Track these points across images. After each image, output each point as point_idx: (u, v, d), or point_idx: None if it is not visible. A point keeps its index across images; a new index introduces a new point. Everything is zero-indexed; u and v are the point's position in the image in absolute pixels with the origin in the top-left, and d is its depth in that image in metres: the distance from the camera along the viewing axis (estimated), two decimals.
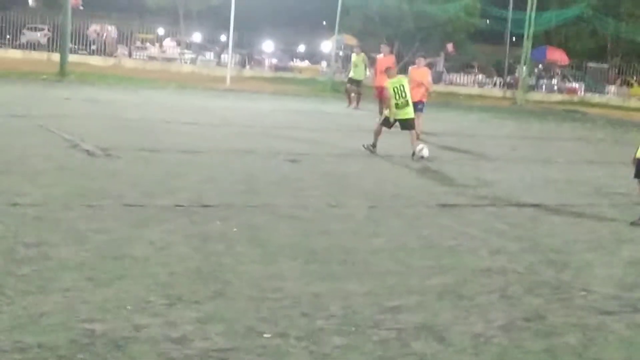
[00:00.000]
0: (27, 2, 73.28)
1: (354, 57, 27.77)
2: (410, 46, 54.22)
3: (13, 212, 7.93)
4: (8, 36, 54.04)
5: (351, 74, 27.05)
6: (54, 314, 5.16)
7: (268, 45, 64.51)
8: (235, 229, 8.00)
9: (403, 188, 11.52)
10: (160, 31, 62.53)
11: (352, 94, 26.72)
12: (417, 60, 19.48)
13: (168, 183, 10.26)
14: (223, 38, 56.09)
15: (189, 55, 55.87)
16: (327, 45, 56.37)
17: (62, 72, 30.95)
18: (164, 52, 55.37)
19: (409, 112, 14.94)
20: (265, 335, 5.13)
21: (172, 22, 62.02)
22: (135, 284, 5.95)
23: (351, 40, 56.17)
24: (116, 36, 57.04)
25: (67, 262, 6.35)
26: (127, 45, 55.66)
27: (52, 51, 44.14)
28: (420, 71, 18.98)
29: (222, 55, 53.64)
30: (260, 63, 57.65)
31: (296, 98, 30.79)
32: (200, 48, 59.64)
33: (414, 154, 14.45)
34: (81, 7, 36.20)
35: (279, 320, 5.40)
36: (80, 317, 5.15)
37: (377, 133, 14.89)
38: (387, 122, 15.03)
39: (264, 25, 63.75)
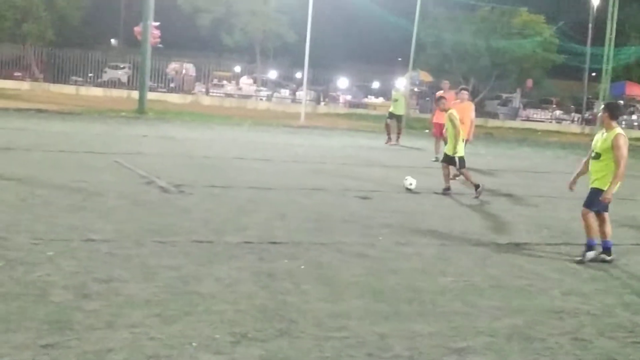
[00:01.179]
0: (110, 41, 75.31)
1: (394, 93, 27.48)
2: (487, 82, 53.98)
3: (86, 248, 8.10)
4: (90, 74, 55.64)
5: (391, 109, 26.58)
6: (120, 350, 5.24)
7: (343, 82, 64.92)
8: (302, 267, 8.02)
9: (473, 226, 11.38)
10: (237, 69, 63.58)
11: (392, 129, 26.33)
12: (459, 95, 18.03)
13: (238, 220, 10.36)
14: (298, 75, 56.64)
15: (264, 92, 56.63)
16: (401, 82, 56.44)
17: (141, 110, 31.67)
18: (240, 89, 56.27)
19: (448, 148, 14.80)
20: None
21: (249, 59, 63.01)
22: (202, 320, 6.00)
23: (426, 77, 56.23)
24: (194, 74, 58.21)
25: (135, 298, 6.45)
26: (204, 82, 56.74)
27: (132, 89, 45.22)
28: (463, 106, 17.29)
29: (297, 92, 54.22)
30: (334, 99, 58.09)
31: (370, 134, 30.82)
32: (276, 85, 60.40)
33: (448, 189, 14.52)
34: (160, 45, 36.98)
35: None
36: (146, 354, 5.22)
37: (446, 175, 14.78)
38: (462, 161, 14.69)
39: (338, 62, 64.25)
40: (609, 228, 9.50)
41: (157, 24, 34.43)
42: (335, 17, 54.88)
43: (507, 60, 51.86)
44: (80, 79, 54.24)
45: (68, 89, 47.61)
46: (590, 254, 9.37)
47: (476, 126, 19.62)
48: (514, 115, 57.73)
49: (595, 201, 9.35)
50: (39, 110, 28.79)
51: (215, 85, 57.56)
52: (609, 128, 9.37)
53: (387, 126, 26.30)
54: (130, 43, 53.90)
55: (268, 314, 6.31)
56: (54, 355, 5.04)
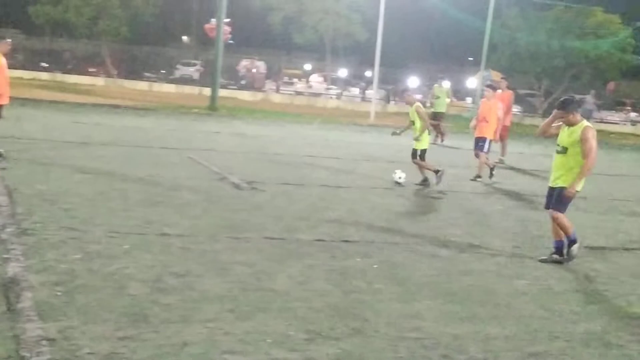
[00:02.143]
0: (182, 39, 76.32)
1: (435, 88, 26.79)
2: (560, 83, 53.09)
3: (161, 242, 8.20)
4: (163, 71, 56.52)
5: (433, 107, 25.80)
6: (196, 345, 5.29)
7: (413, 81, 64.59)
8: (375, 266, 7.99)
9: (547, 229, 11.15)
10: (307, 67, 63.80)
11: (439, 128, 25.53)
12: (485, 92, 17.01)
13: (310, 217, 10.37)
14: (368, 74, 56.59)
15: (334, 90, 56.69)
16: (472, 82, 55.91)
17: (213, 107, 31.98)
18: (310, 87, 56.43)
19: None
20: None
21: (319, 58, 63.20)
22: (276, 317, 6.02)
23: (498, 77, 55.51)
24: (265, 71, 58.60)
25: (210, 293, 6.50)
26: (274, 80, 57.07)
27: (204, 86, 45.74)
28: (489, 104, 16.44)
29: (367, 91, 54.15)
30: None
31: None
32: (346, 84, 60.42)
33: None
34: (231, 42, 37.28)
35: None
36: (221, 349, 5.26)
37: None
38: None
39: (409, 61, 63.97)
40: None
41: (227, 20, 34.71)
42: (406, 16, 54.55)
43: (581, 60, 50.89)
44: (153, 75, 55.15)
45: (141, 85, 48.42)
46: (575, 247, 8.95)
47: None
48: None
49: (563, 201, 8.90)
50: (114, 106, 29.30)
51: (285, 82, 57.86)
52: (575, 122, 8.78)
53: (433, 127, 25.45)
54: (202, 40, 54.60)
55: (341, 312, 6.30)
56: (132, 348, 5.11)
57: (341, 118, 34.64)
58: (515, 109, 50.99)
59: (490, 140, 16.09)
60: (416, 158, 14.41)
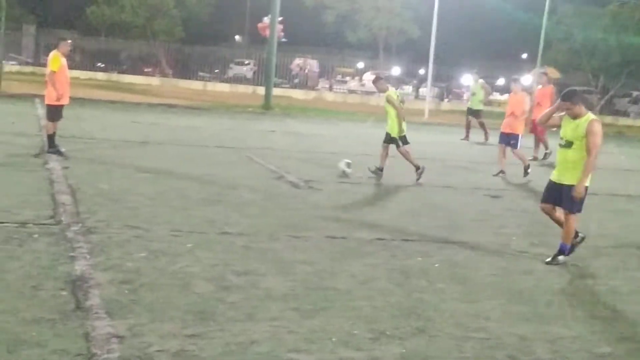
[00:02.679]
0: (234, 38, 76.79)
1: (472, 85, 26.20)
2: (617, 80, 52.29)
3: (222, 241, 8.28)
4: (217, 70, 56.94)
5: (469, 104, 25.40)
6: (262, 343, 5.33)
7: (467, 79, 64.07)
8: (436, 265, 7.96)
9: (609, 228, 11.03)
10: (360, 65, 63.72)
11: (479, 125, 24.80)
12: (512, 86, 16.76)
13: (369, 216, 10.37)
14: (421, 71, 56.34)
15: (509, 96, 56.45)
16: (528, 79, 55.34)
17: (267, 105, 32.12)
18: (363, 85, 56.35)
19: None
20: None
21: (372, 56, 63.08)
22: (339, 316, 6.03)
23: (554, 73, 54.78)
24: (318, 70, 58.67)
25: (273, 292, 6.54)
26: (328, 79, 57.12)
27: (257, 85, 45.96)
28: (516, 98, 16.20)
29: (420, 89, 53.91)
30: (458, 96, 57.45)
31: (495, 132, 30.26)
32: (399, 81, 60.19)
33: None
34: (284, 40, 37.38)
35: None
36: (287, 347, 5.29)
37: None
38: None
39: (463, 58, 63.46)
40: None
41: (280, 18, 34.82)
42: (460, 12, 54.19)
43: (639, 57, 49.96)
44: (207, 74, 55.57)
45: (195, 85, 48.80)
46: (561, 259, 8.47)
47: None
48: None
49: (577, 201, 8.36)
50: (170, 105, 29.60)
51: (338, 81, 57.87)
52: (580, 114, 8.31)
53: (469, 123, 24.93)
54: (255, 39, 54.89)
55: (405, 312, 6.29)
56: (200, 345, 5.17)
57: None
58: None
59: (521, 136, 15.74)
60: (399, 147, 14.16)
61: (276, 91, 37.20)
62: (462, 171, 16.25)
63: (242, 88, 48.13)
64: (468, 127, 24.86)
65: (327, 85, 55.64)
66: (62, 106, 13.80)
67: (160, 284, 6.48)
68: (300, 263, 7.58)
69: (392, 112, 14.14)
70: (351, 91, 54.05)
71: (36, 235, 7.74)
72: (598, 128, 8.20)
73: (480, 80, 25.61)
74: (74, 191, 10.22)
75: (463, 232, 9.81)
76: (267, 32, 34.36)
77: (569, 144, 8.36)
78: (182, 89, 44.16)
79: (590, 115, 8.34)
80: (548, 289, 7.40)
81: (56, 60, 13.50)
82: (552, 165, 16.66)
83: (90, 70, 49.92)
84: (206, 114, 27.43)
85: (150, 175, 12.25)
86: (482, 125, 24.62)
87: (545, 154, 19.39)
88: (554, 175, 8.63)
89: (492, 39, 67.83)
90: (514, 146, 15.62)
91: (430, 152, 19.88)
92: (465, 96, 56.87)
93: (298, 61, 58.04)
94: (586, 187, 8.33)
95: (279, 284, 6.79)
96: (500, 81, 65.27)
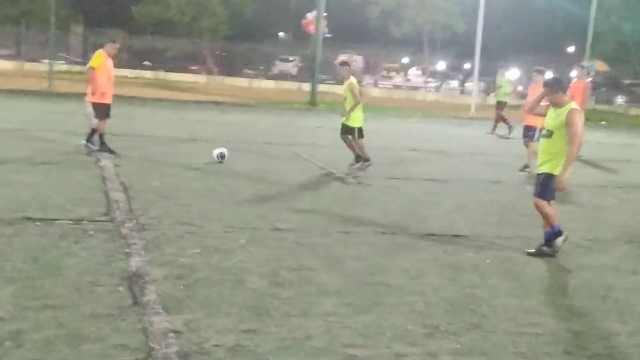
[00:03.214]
0: (279, 35, 76.96)
1: (498, 77, 26.08)
2: None
3: (274, 237, 8.33)
4: (262, 67, 57.19)
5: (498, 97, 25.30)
6: (317, 338, 5.36)
7: (513, 73, 63.53)
8: (488, 261, 7.92)
9: None
10: (405, 60, 63.49)
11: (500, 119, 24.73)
12: (533, 77, 16.24)
13: (418, 211, 10.36)
14: (467, 66, 55.95)
15: (433, 83, 56.30)
16: (574, 72, 54.63)
17: (312, 102, 32.19)
18: (408, 80, 56.18)
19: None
20: None
21: (417, 51, 62.81)
22: (393, 311, 6.04)
23: (602, 66, 54.15)
24: (363, 66, 58.56)
25: (326, 287, 6.57)
26: (373, 74, 57.04)
27: (302, 81, 46.05)
28: (537, 91, 15.81)
29: (466, 83, 53.58)
30: None
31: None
32: (445, 76, 59.88)
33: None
34: (329, 35, 37.40)
35: (539, 357, 5.28)
36: (342, 342, 5.31)
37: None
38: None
39: (509, 52, 62.92)
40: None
41: (323, 14, 34.86)
42: (506, 5, 53.74)
43: None
44: (252, 71, 55.83)
45: (241, 82, 49.06)
46: (560, 240, 8.25)
47: None
48: None
49: (549, 189, 8.19)
50: (216, 103, 29.82)
51: (383, 76, 57.76)
52: (561, 104, 8.14)
53: (499, 116, 24.77)
54: (300, 36, 54.94)
55: (458, 307, 6.28)
56: (256, 341, 5.21)
57: (441, 111, 34.39)
58: (621, 99, 49.74)
59: (541, 129, 15.20)
60: (350, 134, 14.00)
61: (321, 87, 37.25)
62: (511, 166, 16.11)
63: (287, 85, 48.29)
64: (504, 120, 24.56)
65: (372, 81, 55.52)
66: (106, 105, 13.81)
67: (215, 279, 6.55)
68: (351, 259, 7.61)
69: (350, 102, 13.99)
70: (396, 86, 53.92)
71: (91, 232, 7.86)
72: (577, 118, 7.97)
73: (507, 73, 25.60)
74: (127, 188, 10.36)
75: (514, 228, 9.75)
76: (311, 28, 34.44)
77: (549, 134, 8.21)
78: (228, 87, 44.45)
79: (572, 105, 8.14)
80: (602, 284, 7.33)
81: (98, 58, 13.63)
82: (586, 162, 16.53)
83: (137, 68, 50.44)
84: (252, 111, 27.60)
85: (200, 172, 12.37)
86: (498, 117, 24.65)
87: None
88: (537, 165, 8.48)
89: (539, 32, 67.08)
90: (531, 137, 15.00)
91: (478, 146, 19.82)
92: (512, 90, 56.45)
93: (343, 57, 58.00)
94: (554, 176, 8.13)
95: (332, 280, 6.82)
96: (548, 75, 64.62)
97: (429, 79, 57.47)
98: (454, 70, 60.75)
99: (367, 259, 7.68)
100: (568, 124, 7.97)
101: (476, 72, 37.51)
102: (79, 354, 4.80)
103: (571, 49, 67.82)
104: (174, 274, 6.62)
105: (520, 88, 58.54)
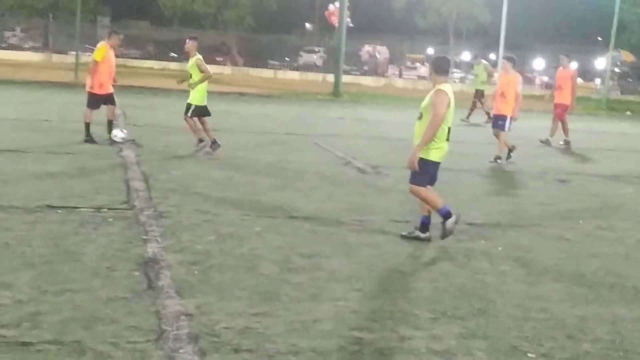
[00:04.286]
0: (304, 26, 77.10)
1: (475, 66, 26.03)
2: None
3: (289, 225, 8.48)
4: (287, 58, 57.39)
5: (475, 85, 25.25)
6: (325, 321, 5.50)
7: (539, 63, 63.25)
8: (500, 248, 8.02)
9: None
10: (430, 51, 63.40)
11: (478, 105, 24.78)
12: (504, 64, 15.64)
13: None
14: (492, 56, 55.76)
15: (458, 74, 56.20)
16: (601, 62, 54.33)
17: (336, 93, 32.30)
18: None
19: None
20: (529, 355, 5.13)
21: (442, 41, 62.69)
22: (402, 297, 6.17)
23: (628, 56, 53.78)
24: (387, 57, 58.58)
25: (337, 274, 6.71)
26: (397, 65, 57.01)
27: (327, 72, 46.17)
28: (508, 78, 14.83)
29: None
30: (530, 81, 56.75)
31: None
32: (469, 67, 59.73)
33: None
34: (351, 25, 37.49)
35: (543, 341, 5.38)
36: (349, 326, 5.44)
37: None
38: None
39: (534, 42, 62.62)
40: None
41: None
42: None
43: None
44: (277, 63, 56.06)
45: (266, 73, 49.29)
46: (449, 222, 7.98)
47: None
48: None
49: (421, 173, 8.07)
50: (241, 94, 30.03)
51: (408, 67, 57.73)
52: (435, 84, 7.98)
53: (483, 104, 24.59)
54: (325, 27, 55.10)
55: (466, 293, 6.39)
56: (264, 323, 5.36)
57: (464, 102, 34.28)
58: None
59: (511, 118, 14.57)
60: (187, 114, 13.72)
61: (346, 78, 37.38)
62: (530, 155, 16.15)
63: (311, 76, 48.43)
64: (486, 110, 24.36)
65: (397, 72, 55.53)
66: (101, 95, 13.95)
67: (228, 265, 6.71)
68: (364, 246, 7.74)
69: (196, 78, 13.74)
70: (421, 77, 53.86)
71: (110, 220, 8.06)
72: (440, 98, 7.81)
73: (484, 62, 25.66)
74: (147, 177, 10.56)
75: (528, 216, 9.83)
76: (333, 19, 34.50)
77: (420, 115, 8.12)
78: (253, 78, 44.69)
79: (441, 86, 7.92)
80: (612, 271, 7.40)
81: (102, 50, 13.81)
82: (608, 150, 16.47)
83: (163, 60, 50.83)
84: (276, 102, 27.76)
85: (221, 162, 12.55)
86: (474, 105, 24.75)
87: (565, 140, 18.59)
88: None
89: (565, 23, 66.72)
90: (501, 127, 14.60)
91: None
92: (537, 81, 56.22)
93: (367, 48, 58.11)
94: (426, 160, 8.06)
95: (343, 266, 6.95)
96: (574, 65, 64.27)
97: (454, 70, 57.30)
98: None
99: (380, 246, 7.81)
100: (431, 104, 7.87)
101: (500, 63, 37.33)
102: (94, 335, 4.98)
103: (597, 38, 67.43)
104: (188, 259, 6.79)
105: (546, 79, 58.41)
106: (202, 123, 13.80)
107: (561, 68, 19.04)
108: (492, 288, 6.59)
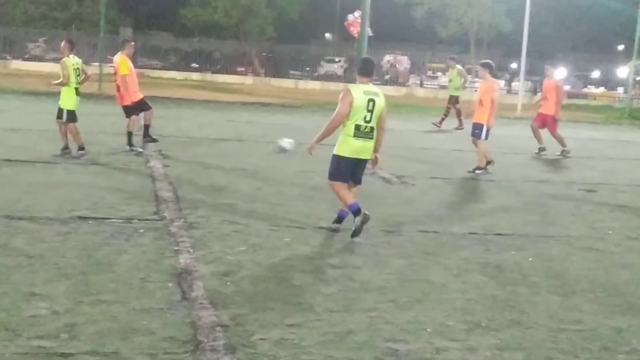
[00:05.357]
0: (324, 36, 77.24)
1: (449, 71, 25.63)
2: None
3: (318, 235, 8.52)
4: (308, 68, 57.50)
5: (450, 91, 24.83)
6: (359, 332, 5.51)
7: (560, 72, 62.99)
8: (530, 259, 8.00)
9: None
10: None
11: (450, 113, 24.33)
12: (480, 71, 15.36)
13: (461, 210, 10.46)
14: (513, 65, 55.67)
15: (478, 83, 56.05)
16: (623, 71, 54.07)
17: None
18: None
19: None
20: None
21: (463, 50, 62.59)
22: (434, 308, 6.18)
23: None
24: (408, 66, 58.56)
25: (369, 284, 6.73)
26: (418, 74, 56.97)
27: (348, 82, 46.18)
28: (485, 85, 14.71)
29: (512, 83, 53.31)
30: None
31: (590, 126, 29.90)
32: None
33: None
34: (371, 34, 37.49)
35: (579, 353, 5.37)
36: (384, 337, 5.46)
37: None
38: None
39: (556, 51, 62.42)
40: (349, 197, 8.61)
41: (359, 14, 34.90)
42: (552, 5, 53.32)
43: None
44: (298, 73, 56.17)
45: (287, 83, 49.37)
46: (357, 220, 8.29)
47: None
48: None
49: (333, 168, 8.88)
50: (263, 104, 30.09)
51: (429, 77, 57.66)
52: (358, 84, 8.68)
53: (459, 110, 24.10)
54: (345, 36, 55.16)
55: (499, 304, 6.39)
56: (299, 334, 5.38)
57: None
58: None
59: (488, 127, 14.27)
60: (61, 118, 13.09)
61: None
62: (557, 166, 16.11)
63: (333, 86, 48.37)
64: (458, 115, 24.13)
65: (418, 81, 55.48)
66: (137, 103, 14.18)
67: (260, 276, 6.74)
68: (394, 256, 7.75)
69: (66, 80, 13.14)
70: (442, 87, 53.72)
71: (142, 230, 8.11)
72: (342, 97, 8.53)
73: (458, 67, 25.19)
74: (175, 188, 10.61)
75: (557, 227, 9.80)
76: (353, 30, 34.49)
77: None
78: (275, 88, 44.76)
79: (351, 86, 8.75)
80: None
81: (125, 62, 13.95)
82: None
83: (185, 70, 51.10)
84: (298, 112, 27.80)
85: (247, 172, 12.60)
86: (447, 111, 24.29)
87: (540, 148, 18.14)
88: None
89: (587, 31, 66.48)
90: (477, 136, 14.29)
91: (524, 146, 19.74)
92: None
93: (388, 58, 58.11)
94: (335, 155, 8.87)
95: (375, 277, 6.97)
96: (595, 74, 63.93)
97: (475, 79, 57.17)
98: (501, 69, 60.38)
99: (410, 256, 7.81)
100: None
101: (522, 72, 37.30)
102: (131, 346, 5.02)
103: (620, 47, 67.12)
104: (220, 270, 6.82)
105: (567, 87, 58.10)
106: (64, 125, 13.21)
107: (547, 78, 18.82)
108: (525, 299, 6.58)
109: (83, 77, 13.49)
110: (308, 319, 5.71)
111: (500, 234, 9.08)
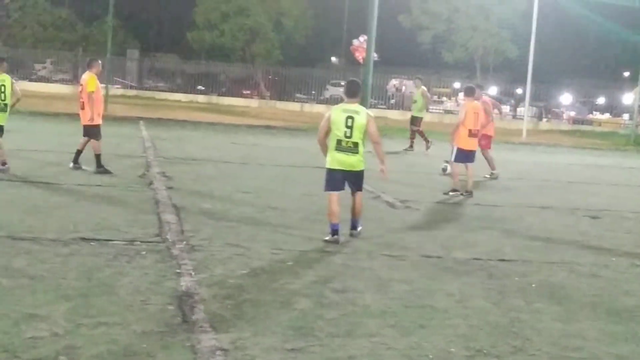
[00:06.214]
0: (331, 60, 77.46)
1: (414, 91, 25.45)
2: None
3: (321, 259, 8.48)
4: (313, 91, 57.62)
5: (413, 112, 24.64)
6: (360, 358, 5.47)
7: (566, 98, 63.08)
8: (533, 285, 7.96)
9: None
10: (456, 85, 63.43)
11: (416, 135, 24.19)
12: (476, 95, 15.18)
13: (465, 236, 10.41)
14: (519, 91, 55.75)
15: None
16: (629, 97, 54.07)
17: None
18: (459, 105, 56.02)
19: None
20: None
21: (469, 76, 62.69)
22: (437, 334, 6.13)
23: None
24: (414, 90, 58.62)
25: (371, 309, 6.69)
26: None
27: None
28: (471, 106, 14.70)
29: (518, 108, 53.37)
30: (557, 116, 56.59)
31: (596, 152, 29.89)
32: (496, 101, 59.68)
33: None
34: (377, 58, 37.59)
35: None
36: None
37: None
38: None
39: (561, 77, 62.55)
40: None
41: (364, 39, 35.02)
42: (558, 31, 53.52)
43: None
44: (304, 96, 56.29)
45: (293, 106, 49.49)
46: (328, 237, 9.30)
47: None
48: None
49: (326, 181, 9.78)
50: (268, 127, 30.17)
51: (435, 101, 57.71)
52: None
53: (414, 132, 24.20)
54: (351, 60, 55.30)
55: (501, 331, 6.34)
56: (300, 359, 5.34)
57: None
58: None
59: (459, 148, 14.33)
60: None
61: (372, 112, 37.35)
62: (561, 191, 16.08)
63: None
64: (413, 137, 24.24)
65: None
66: (99, 125, 14.17)
67: (262, 299, 6.70)
68: (397, 281, 7.71)
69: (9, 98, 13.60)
70: (447, 111, 53.84)
71: (144, 253, 8.09)
72: (326, 117, 9.61)
73: (423, 88, 25.00)
74: (178, 210, 10.60)
75: (561, 253, 9.75)
76: (358, 55, 34.54)
77: None
78: (280, 111, 44.90)
79: (334, 106, 9.96)
80: None
81: (93, 80, 13.93)
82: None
83: (191, 93, 51.27)
84: (303, 135, 27.81)
85: (251, 195, 12.57)
86: (420, 134, 24.07)
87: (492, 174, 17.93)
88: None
89: (592, 57, 66.63)
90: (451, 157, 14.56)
91: (529, 171, 19.74)
92: (565, 116, 56.01)
93: (394, 82, 58.22)
94: (326, 169, 9.80)
95: (377, 302, 6.93)
96: (601, 100, 63.96)
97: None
98: (506, 95, 60.51)
99: (413, 281, 7.77)
100: None
101: (527, 97, 37.35)
102: None
103: (626, 74, 67.18)
104: (222, 294, 6.79)
105: (572, 113, 58.20)
106: None
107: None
108: (528, 325, 6.53)
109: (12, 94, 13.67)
110: (309, 344, 5.67)
111: (503, 260, 9.04)
